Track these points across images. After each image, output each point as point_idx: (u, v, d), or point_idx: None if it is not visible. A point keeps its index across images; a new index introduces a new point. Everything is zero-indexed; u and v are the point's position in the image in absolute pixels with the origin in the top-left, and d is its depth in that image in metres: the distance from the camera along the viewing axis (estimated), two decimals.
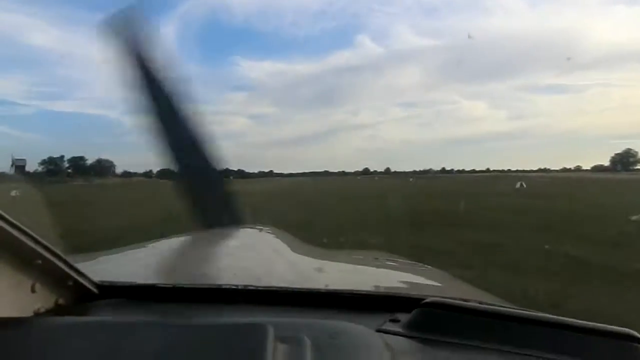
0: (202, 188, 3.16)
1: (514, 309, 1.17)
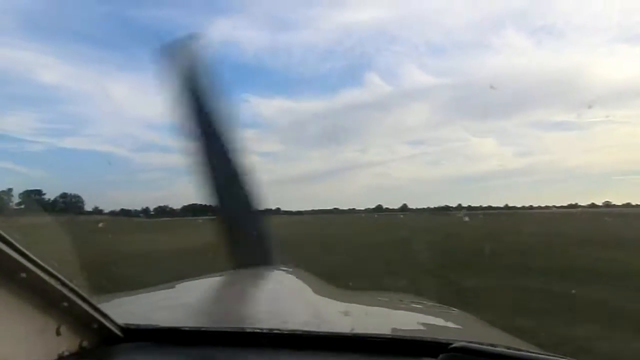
0: (241, 225, 3.07)
1: (542, 354, 1.13)
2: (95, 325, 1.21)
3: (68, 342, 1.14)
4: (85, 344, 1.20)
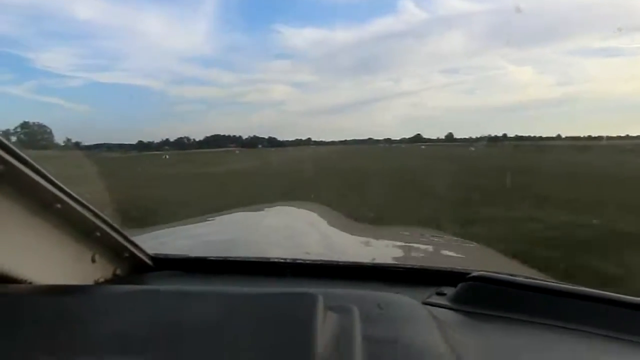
0: None
1: (560, 283, 1.15)
2: (127, 255, 1.27)
3: (102, 270, 1.20)
4: (118, 271, 1.26)
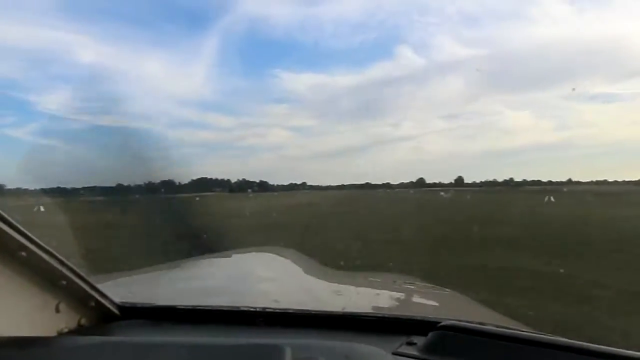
0: None
1: (530, 332, 1.16)
2: (93, 303, 1.24)
3: (67, 319, 1.17)
4: (83, 321, 1.23)
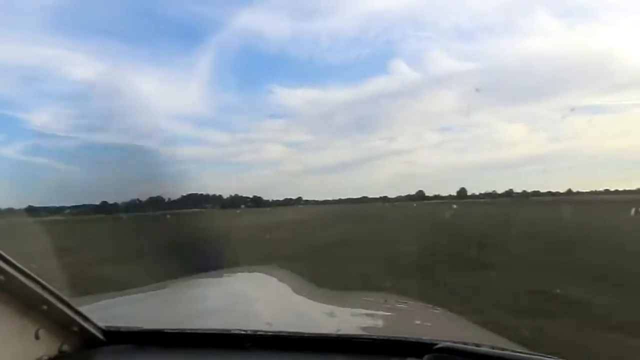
0: None
1: (525, 353, 1.14)
2: (76, 328, 1.19)
3: (47, 346, 1.12)
4: (65, 347, 1.18)
